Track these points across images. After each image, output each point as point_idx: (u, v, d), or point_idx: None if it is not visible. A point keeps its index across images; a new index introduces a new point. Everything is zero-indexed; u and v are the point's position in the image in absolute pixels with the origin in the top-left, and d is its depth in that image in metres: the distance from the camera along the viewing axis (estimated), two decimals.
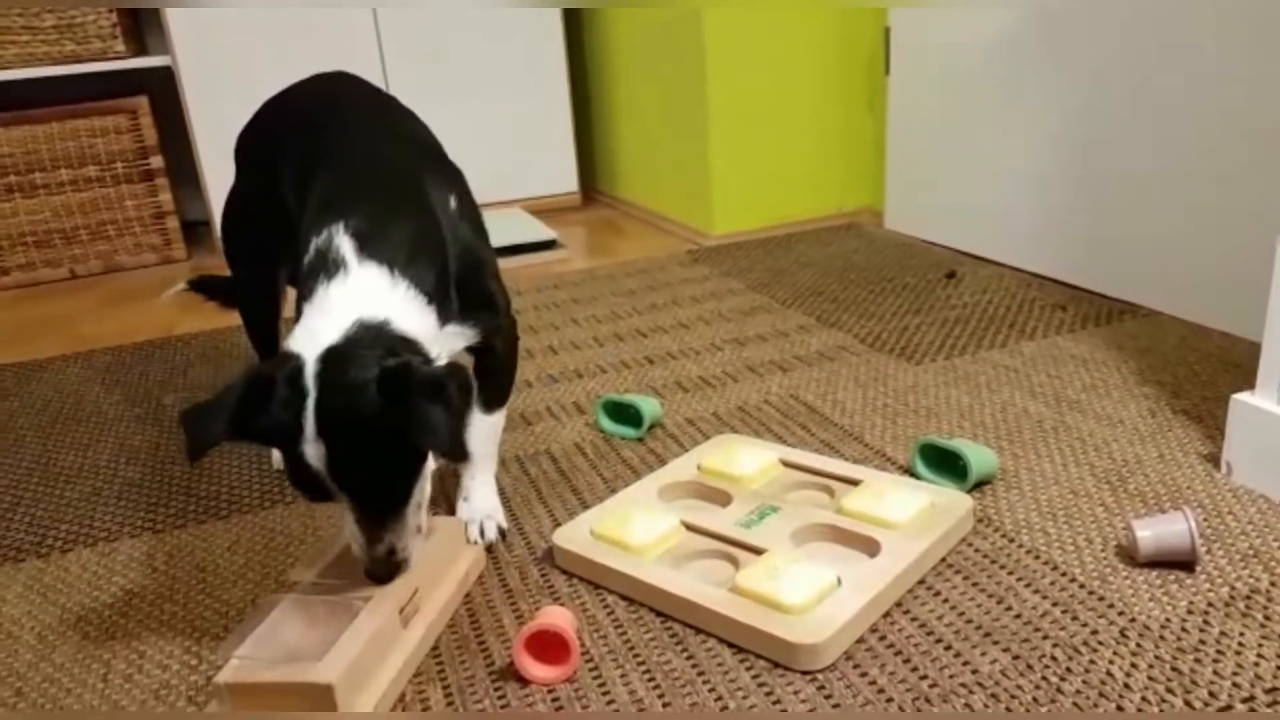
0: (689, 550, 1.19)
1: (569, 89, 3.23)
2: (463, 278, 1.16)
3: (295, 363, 0.98)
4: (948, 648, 1.01)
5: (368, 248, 1.06)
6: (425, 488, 1.06)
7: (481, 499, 1.32)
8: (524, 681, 1.02)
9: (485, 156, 3.21)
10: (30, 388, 2.02)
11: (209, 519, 1.42)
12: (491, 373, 1.28)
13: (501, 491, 1.40)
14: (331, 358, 0.98)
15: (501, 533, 1.29)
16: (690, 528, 1.22)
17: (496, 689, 1.01)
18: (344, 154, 1.23)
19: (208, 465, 1.59)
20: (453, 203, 1.20)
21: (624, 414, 1.60)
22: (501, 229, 2.90)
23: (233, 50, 2.90)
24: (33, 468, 1.65)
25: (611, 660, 1.04)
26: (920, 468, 1.33)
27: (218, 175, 2.96)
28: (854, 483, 1.27)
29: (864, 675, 0.98)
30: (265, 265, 1.48)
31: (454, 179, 1.26)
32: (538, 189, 3.31)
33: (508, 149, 3.23)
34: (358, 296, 1.02)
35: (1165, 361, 1.66)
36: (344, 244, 1.06)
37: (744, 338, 1.95)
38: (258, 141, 1.47)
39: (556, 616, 1.03)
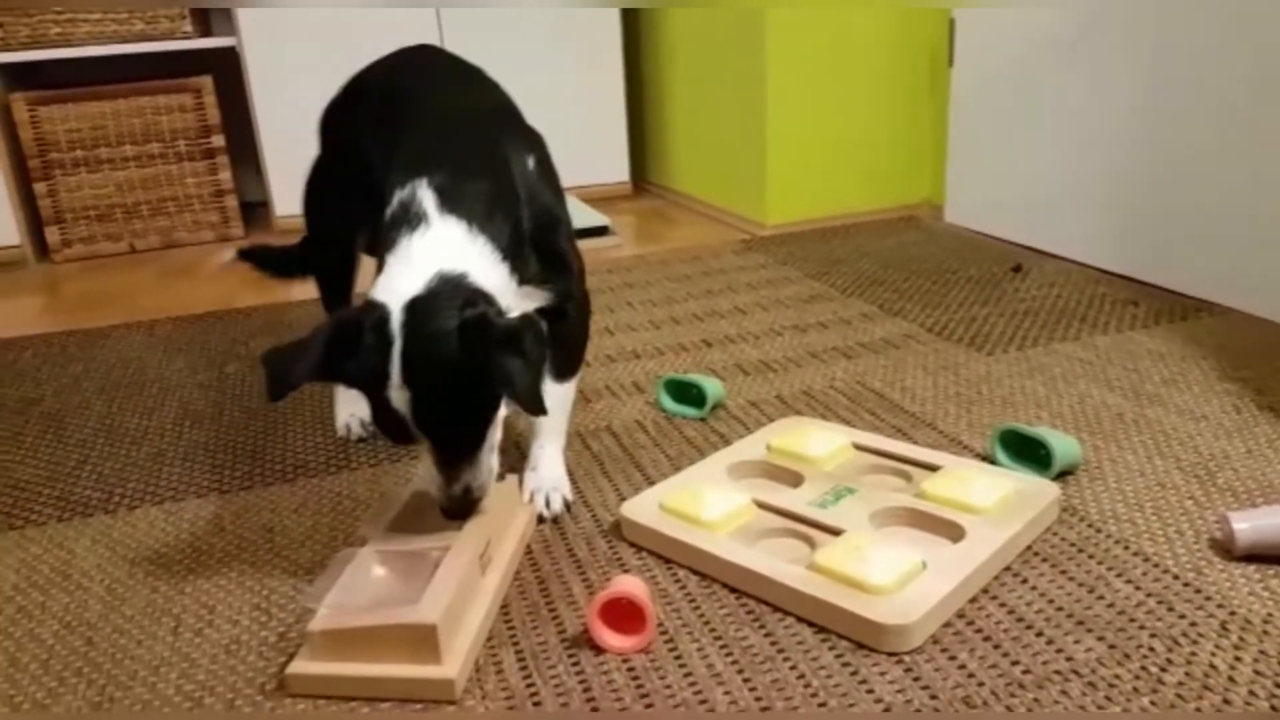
0: (761, 528, 1.17)
1: (624, 78, 3.21)
2: (538, 239, 1.19)
3: (381, 312, 1.02)
4: (1039, 634, 0.98)
5: (448, 203, 1.09)
6: (497, 433, 1.10)
7: (549, 470, 1.31)
8: (598, 650, 1.00)
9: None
10: (93, 354, 2.03)
11: (275, 482, 1.41)
12: (563, 340, 1.28)
13: (565, 465, 1.39)
14: (415, 308, 1.01)
15: (567, 505, 1.28)
16: (762, 506, 1.20)
17: (570, 656, 1.00)
18: (429, 116, 1.25)
19: (273, 431, 1.58)
20: (531, 164, 1.22)
21: (686, 394, 1.58)
22: None
23: (296, 33, 2.91)
24: (98, 429, 1.65)
25: (687, 634, 1.02)
26: (1000, 455, 1.30)
27: (277, 156, 2.98)
28: (932, 468, 1.24)
29: (952, 659, 0.95)
30: (344, 235, 1.49)
31: (534, 142, 1.27)
32: (589, 178, 3.30)
33: (561, 137, 3.19)
34: (438, 249, 1.06)
35: (1246, 358, 1.61)
36: (426, 198, 1.10)
37: (804, 324, 1.93)
38: (343, 113, 1.48)
39: (631, 586, 1.01)
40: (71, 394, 1.82)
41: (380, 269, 1.08)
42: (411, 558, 1.07)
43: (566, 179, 3.34)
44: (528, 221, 1.17)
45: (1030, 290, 2.04)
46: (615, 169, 3.32)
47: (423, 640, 0.94)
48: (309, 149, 1.56)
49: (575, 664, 0.98)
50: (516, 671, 0.98)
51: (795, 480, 1.25)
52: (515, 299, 1.13)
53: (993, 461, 1.30)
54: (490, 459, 1.10)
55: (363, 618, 0.96)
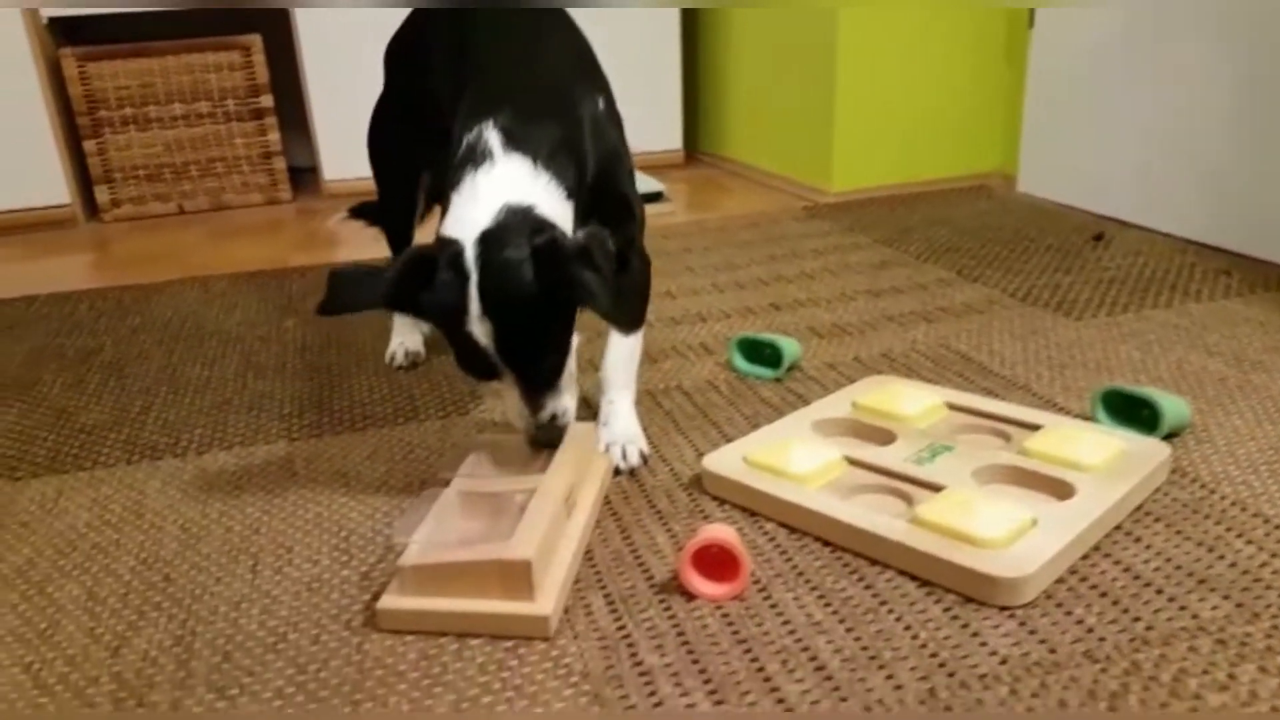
0: (853, 483, 1.12)
1: (680, 46, 3.17)
2: (603, 182, 1.18)
3: (454, 247, 1.02)
4: (1159, 591, 0.93)
5: (513, 141, 1.09)
6: (573, 361, 1.11)
7: (622, 424, 1.28)
8: (689, 596, 0.96)
9: None
10: (149, 308, 2.01)
11: (344, 431, 1.38)
12: (625, 292, 1.24)
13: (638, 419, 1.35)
14: (487, 241, 1.02)
15: (644, 457, 1.24)
16: (854, 462, 1.15)
17: (661, 601, 0.96)
18: (498, 59, 1.24)
19: (338, 382, 1.56)
20: (601, 106, 1.22)
21: (759, 354, 1.53)
22: None
23: None
24: (160, 378, 1.63)
25: (781, 584, 0.98)
26: (1102, 415, 1.25)
27: (327, 120, 2.94)
28: (1033, 426, 1.19)
29: (1069, 614, 0.91)
30: (409, 173, 1.47)
31: (601, 86, 1.27)
32: (641, 146, 3.25)
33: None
34: (504, 184, 1.06)
35: None
36: (492, 137, 1.10)
37: (878, 289, 1.87)
38: (407, 47, 1.45)
39: (723, 533, 0.96)
40: (130, 345, 1.80)
41: (445, 211, 1.09)
42: (496, 499, 1.05)
43: None
44: (593, 165, 1.16)
45: (1114, 258, 1.97)
46: (668, 137, 3.27)
47: (517, 576, 0.91)
48: (360, 113, 1.54)
49: (667, 609, 0.95)
50: (607, 614, 0.95)
51: (886, 438, 1.20)
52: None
53: (1093, 422, 1.25)
54: (572, 387, 1.11)
55: (456, 553, 0.93)
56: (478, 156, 1.08)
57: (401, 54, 1.49)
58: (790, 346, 1.50)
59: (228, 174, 3.02)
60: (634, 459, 1.24)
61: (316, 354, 1.69)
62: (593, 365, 1.54)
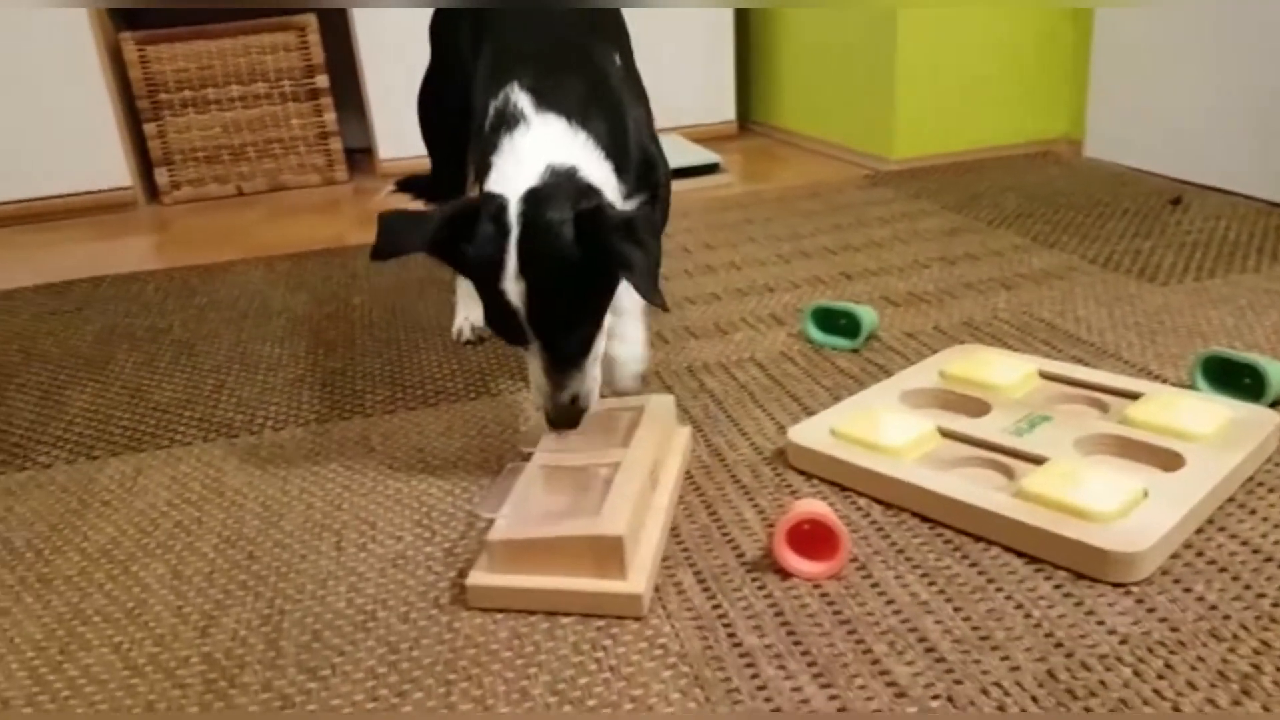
0: (950, 456, 1.08)
1: (733, 16, 3.12)
2: (629, 136, 1.16)
3: (499, 201, 1.00)
4: None
5: (545, 101, 1.07)
6: (601, 342, 1.08)
7: (631, 341, 1.24)
8: (784, 574, 0.93)
9: (645, 83, 3.11)
10: (215, 287, 2.01)
11: (418, 406, 1.37)
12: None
13: (710, 392, 1.34)
14: (532, 199, 0.99)
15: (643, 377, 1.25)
16: (948, 434, 1.11)
17: (754, 579, 0.93)
18: (511, 19, 1.22)
19: (409, 358, 1.54)
20: (618, 61, 1.22)
21: (835, 323, 1.50)
22: None
23: None
24: (230, 356, 1.63)
25: (880, 561, 0.95)
26: (1202, 382, 1.20)
27: (382, 100, 2.93)
28: (1133, 395, 1.14)
29: (1188, 590, 0.87)
30: (457, 143, 1.45)
31: (619, 41, 1.27)
32: (695, 117, 3.21)
33: (668, 76, 3.14)
34: (544, 144, 1.04)
35: None
36: (521, 99, 1.08)
37: (951, 256, 1.82)
38: (446, 17, 1.45)
39: (818, 508, 0.93)
40: (199, 324, 1.80)
41: (481, 175, 1.07)
42: (580, 473, 1.03)
43: (672, 118, 3.29)
44: (619, 122, 1.14)
45: (1194, 223, 1.91)
46: (721, 108, 3.23)
47: (608, 553, 0.89)
48: (414, 93, 1.53)
49: (761, 587, 0.92)
50: (699, 593, 0.92)
51: (979, 409, 1.16)
52: (618, 196, 1.10)
53: (1192, 390, 1.20)
54: (595, 370, 1.07)
55: (545, 528, 0.91)
56: (509, 120, 1.06)
57: (441, 24, 1.48)
58: (868, 315, 1.46)
59: (285, 155, 3.02)
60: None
61: (384, 330, 1.68)
62: (661, 338, 1.52)
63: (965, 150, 2.62)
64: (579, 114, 1.07)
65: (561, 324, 1.01)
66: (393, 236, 1.01)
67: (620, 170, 1.11)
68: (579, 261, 0.98)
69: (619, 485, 0.96)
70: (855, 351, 1.45)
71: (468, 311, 1.59)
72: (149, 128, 2.88)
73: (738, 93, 3.23)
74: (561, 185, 1.00)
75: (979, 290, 1.64)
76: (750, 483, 1.11)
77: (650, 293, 0.96)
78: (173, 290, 2.01)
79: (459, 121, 1.44)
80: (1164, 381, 1.26)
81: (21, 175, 2.75)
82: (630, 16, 3.00)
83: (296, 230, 2.47)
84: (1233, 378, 1.18)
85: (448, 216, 1.00)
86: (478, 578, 0.92)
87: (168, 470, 1.25)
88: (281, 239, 2.38)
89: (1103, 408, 1.16)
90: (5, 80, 2.66)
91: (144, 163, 2.93)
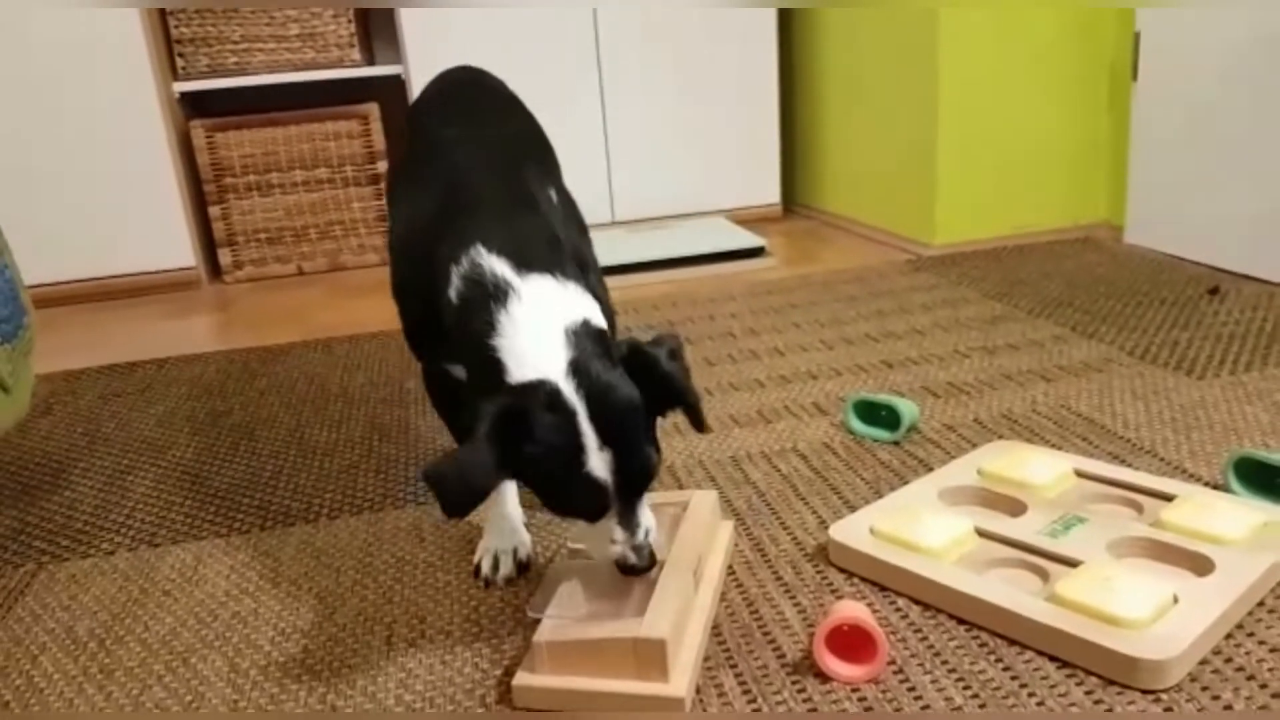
0: (987, 557, 1.11)
1: (778, 100, 3.19)
2: (587, 260, 1.15)
3: (545, 387, 0.93)
4: None
5: (523, 261, 1.01)
6: None
7: None
8: (823, 677, 0.95)
9: (690, 165, 3.20)
10: (275, 370, 2.08)
11: None
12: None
13: (753, 484, 1.38)
14: (580, 370, 0.94)
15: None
16: (985, 534, 1.14)
17: (794, 683, 0.96)
18: (455, 172, 1.16)
19: None
20: (554, 195, 1.20)
21: (875, 415, 1.53)
22: (707, 236, 2.87)
23: (459, 60, 2.95)
24: (289, 441, 1.69)
25: (917, 664, 0.97)
26: (1235, 484, 1.21)
27: None
28: (1167, 497, 1.16)
29: (1216, 698, 0.88)
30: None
31: (550, 170, 1.26)
32: (740, 200, 3.28)
33: (713, 159, 3.22)
34: (547, 309, 0.99)
35: None
36: (496, 265, 1.01)
37: (992, 346, 1.85)
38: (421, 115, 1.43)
39: (859, 611, 0.96)
40: (258, 408, 1.87)
41: (475, 353, 1.00)
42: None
43: (716, 201, 3.36)
44: (577, 248, 1.12)
45: (1231, 313, 1.92)
46: (766, 190, 3.29)
47: (651, 655, 0.92)
48: None
49: (800, 690, 0.94)
50: (739, 695, 0.95)
51: (1016, 508, 1.18)
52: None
53: (1226, 490, 1.21)
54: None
55: (590, 630, 0.94)
56: (495, 292, 0.99)
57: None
58: (908, 408, 1.49)
59: (345, 236, 3.12)
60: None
61: (438, 417, 1.73)
62: (677, 429, 1.55)
63: (1007, 235, 2.65)
64: (554, 262, 1.02)
65: (646, 480, 0.97)
66: (460, 489, 0.90)
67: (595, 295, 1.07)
68: (645, 412, 0.96)
69: (663, 585, 1.00)
70: (896, 444, 1.47)
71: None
72: (214, 210, 3.00)
73: (782, 175, 3.30)
74: (589, 344, 0.96)
75: (1018, 382, 1.66)
76: (792, 580, 1.14)
77: (700, 408, 0.98)
78: (233, 373, 2.09)
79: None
80: (1198, 480, 1.27)
81: (92, 254, 2.88)
82: (675, 98, 3.10)
83: (353, 311, 2.55)
84: (1266, 478, 1.20)
85: (497, 430, 0.90)
86: (523, 679, 0.95)
87: (226, 559, 1.30)
88: (340, 319, 2.46)
89: (1137, 508, 1.18)
90: (79, 162, 2.80)
91: (208, 243, 3.05)
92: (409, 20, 2.93)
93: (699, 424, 0.99)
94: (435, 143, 1.24)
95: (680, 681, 0.92)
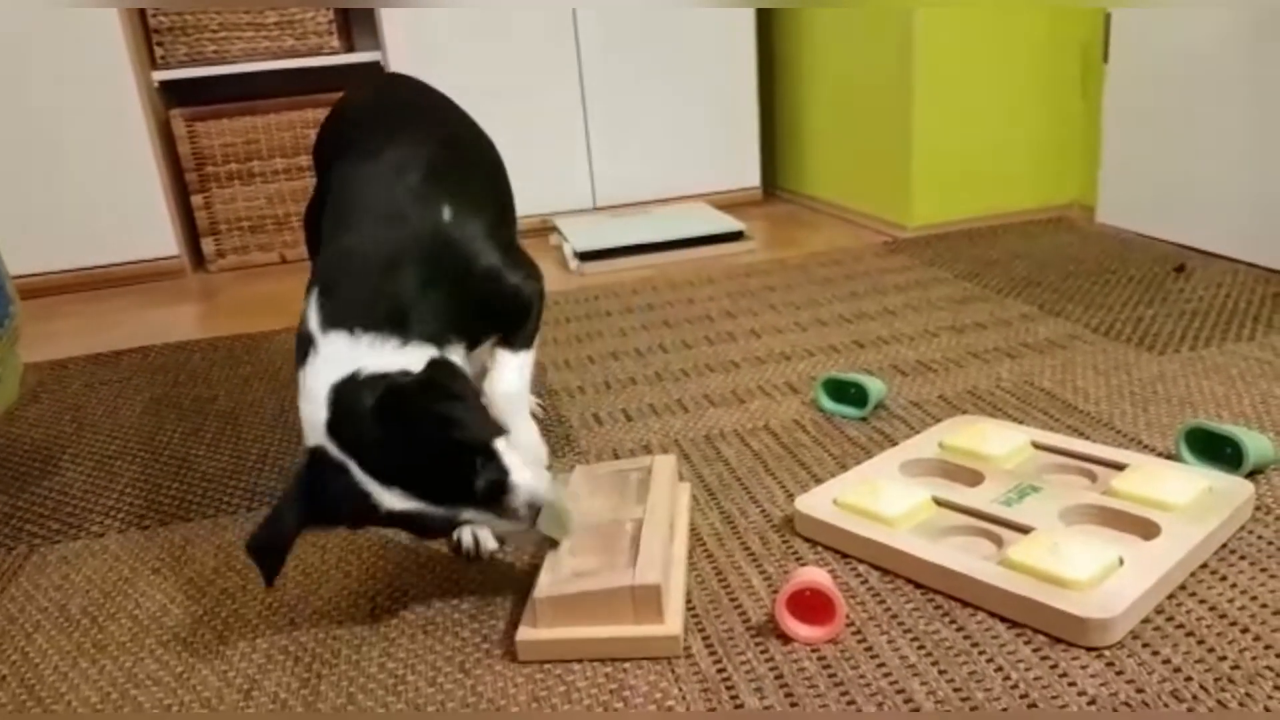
0: (943, 525, 1.15)
1: (757, 84, 3.23)
2: (477, 288, 1.13)
3: (315, 452, 1.00)
4: (1244, 630, 0.95)
5: (330, 317, 1.05)
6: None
7: (526, 437, 1.19)
8: (786, 639, 1.00)
9: (671, 150, 3.23)
10: (259, 356, 2.12)
11: None
12: (516, 329, 1.21)
13: (725, 460, 1.42)
14: (335, 427, 0.99)
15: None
16: (942, 504, 1.18)
17: (758, 644, 1.00)
18: (343, 191, 1.18)
19: None
20: (446, 216, 1.14)
21: (845, 393, 1.57)
22: (688, 221, 2.91)
23: (438, 46, 2.99)
24: (273, 425, 1.72)
25: (875, 626, 1.01)
26: (1186, 453, 1.26)
27: None
28: (1118, 466, 1.21)
29: (1156, 654, 0.93)
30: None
31: (449, 188, 1.18)
32: (720, 184, 3.32)
33: (694, 143, 3.25)
34: (326, 369, 1.02)
35: None
36: (312, 321, 1.05)
37: (961, 325, 1.90)
38: (319, 151, 1.46)
39: (817, 576, 1.01)
40: (243, 393, 1.90)
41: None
42: (604, 534, 1.11)
43: (697, 185, 3.39)
44: (457, 279, 1.10)
45: (1196, 290, 1.97)
46: (746, 175, 3.33)
47: (646, 600, 0.98)
48: None
49: (764, 652, 0.99)
50: (706, 656, 0.99)
51: (973, 479, 1.23)
52: (460, 358, 1.10)
53: (1177, 460, 1.26)
54: (512, 459, 1.02)
55: (586, 582, 1.00)
56: (304, 348, 1.04)
57: (316, 153, 1.49)
58: (875, 386, 1.53)
59: None
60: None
61: None
62: (682, 406, 1.59)
63: (981, 216, 2.70)
64: (365, 318, 1.03)
65: (465, 474, 0.98)
66: (265, 550, 1.00)
67: (466, 331, 1.10)
68: (409, 436, 0.97)
69: (647, 539, 1.06)
70: (863, 420, 1.52)
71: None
72: (196, 199, 3.02)
73: (762, 159, 3.34)
74: (349, 397, 0.99)
75: (984, 359, 1.71)
76: (759, 549, 1.18)
77: (482, 437, 0.98)
78: (218, 360, 2.12)
79: None
80: (1152, 451, 1.32)
81: (76, 245, 2.90)
82: (655, 83, 3.12)
83: None
84: (1216, 448, 1.25)
85: (294, 501, 0.99)
86: (525, 634, 1.01)
87: (214, 539, 1.34)
88: None
89: (1091, 477, 1.23)
90: (61, 154, 2.82)
91: (191, 232, 3.07)
92: (387, 8, 2.95)
93: (474, 438, 0.98)
94: (333, 175, 1.24)
95: (674, 622, 1.00)
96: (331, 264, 1.10)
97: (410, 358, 1.03)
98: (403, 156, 1.19)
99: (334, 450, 0.99)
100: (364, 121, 1.32)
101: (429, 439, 0.96)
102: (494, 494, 0.99)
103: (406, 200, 1.14)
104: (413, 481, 0.98)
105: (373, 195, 1.15)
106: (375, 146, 1.21)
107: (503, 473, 1.00)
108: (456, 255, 1.12)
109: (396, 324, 1.04)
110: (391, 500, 0.98)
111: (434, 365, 1.02)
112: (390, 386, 0.98)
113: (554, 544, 1.08)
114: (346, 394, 0.99)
